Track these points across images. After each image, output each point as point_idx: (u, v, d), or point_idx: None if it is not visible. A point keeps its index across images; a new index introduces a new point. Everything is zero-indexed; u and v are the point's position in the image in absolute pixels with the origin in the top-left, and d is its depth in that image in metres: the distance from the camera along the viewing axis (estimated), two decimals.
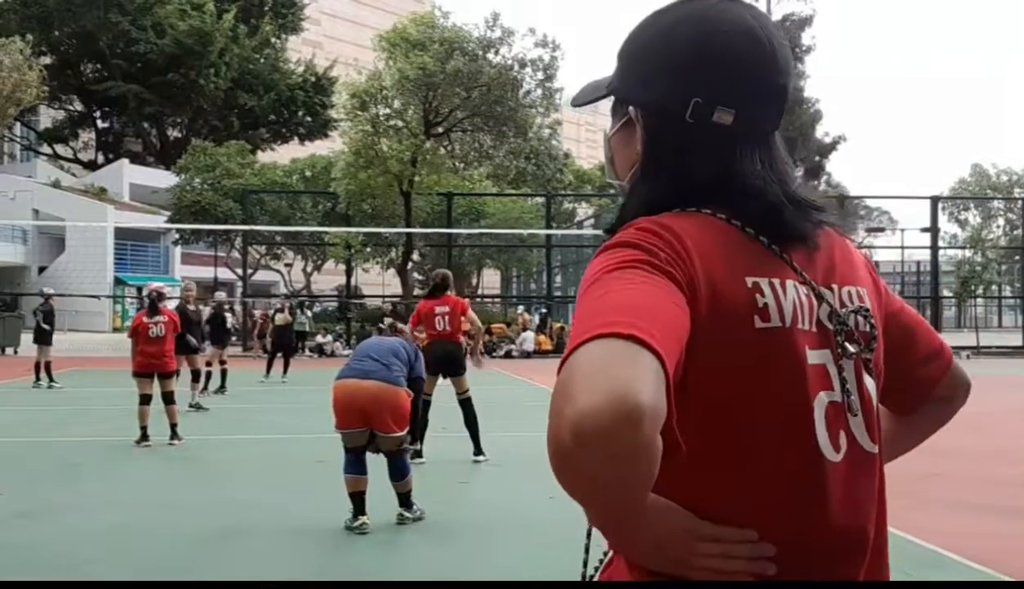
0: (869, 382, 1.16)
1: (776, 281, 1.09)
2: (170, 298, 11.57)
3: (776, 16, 32.75)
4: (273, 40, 50.77)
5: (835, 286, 1.16)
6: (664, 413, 0.87)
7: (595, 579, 1.18)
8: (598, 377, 0.86)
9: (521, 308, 31.45)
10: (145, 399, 9.36)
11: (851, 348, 1.12)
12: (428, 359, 8.27)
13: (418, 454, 8.26)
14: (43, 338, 16.16)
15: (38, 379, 15.93)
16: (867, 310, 1.16)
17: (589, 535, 1.16)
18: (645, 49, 1.17)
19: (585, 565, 1.20)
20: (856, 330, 1.14)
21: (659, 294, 0.98)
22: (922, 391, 1.30)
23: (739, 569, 1.03)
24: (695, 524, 1.03)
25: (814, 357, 1.10)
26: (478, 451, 8.35)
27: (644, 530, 1.02)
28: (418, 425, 8.19)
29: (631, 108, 1.18)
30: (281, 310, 18.67)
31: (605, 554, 1.17)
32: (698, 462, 0.99)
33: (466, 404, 8.39)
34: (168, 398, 9.56)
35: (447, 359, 8.34)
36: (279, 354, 17.84)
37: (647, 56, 1.17)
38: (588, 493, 0.92)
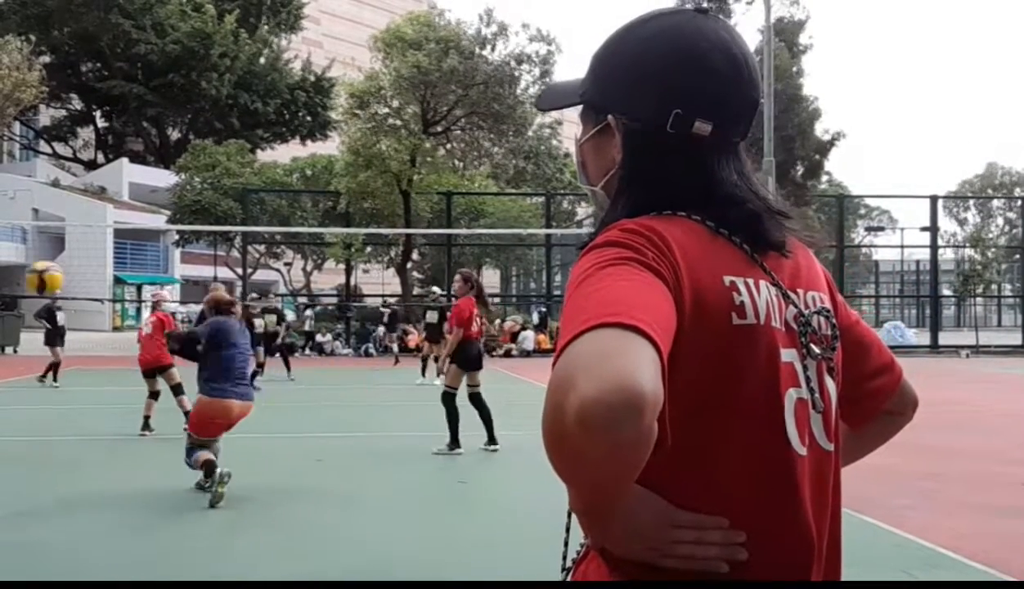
0: (830, 383, 1.20)
1: (751, 281, 1.14)
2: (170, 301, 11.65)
3: (773, 17, 32.57)
4: (271, 39, 50.68)
5: (800, 290, 1.21)
6: (662, 402, 0.89)
7: (571, 571, 1.21)
8: (601, 364, 0.88)
9: (506, 320, 30.55)
10: (152, 395, 9.93)
11: (816, 349, 1.17)
12: (465, 357, 8.78)
13: (455, 444, 8.58)
14: (51, 338, 16.05)
15: (43, 376, 15.80)
16: (829, 310, 1.22)
17: (568, 527, 1.20)
18: (625, 60, 1.21)
19: (564, 558, 1.24)
20: (819, 331, 1.19)
21: (651, 289, 1.02)
22: (872, 404, 1.33)
23: (712, 555, 1.06)
24: (671, 511, 1.07)
25: (785, 355, 1.15)
26: (491, 441, 8.70)
27: (623, 516, 1.05)
28: (452, 421, 8.56)
29: (609, 116, 1.21)
30: (269, 311, 17.64)
31: (582, 545, 1.20)
32: (674, 452, 1.01)
33: (476, 398, 8.79)
34: (175, 390, 9.85)
35: (480, 357, 8.96)
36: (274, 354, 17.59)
37: (627, 67, 1.20)
38: (582, 477, 0.95)
